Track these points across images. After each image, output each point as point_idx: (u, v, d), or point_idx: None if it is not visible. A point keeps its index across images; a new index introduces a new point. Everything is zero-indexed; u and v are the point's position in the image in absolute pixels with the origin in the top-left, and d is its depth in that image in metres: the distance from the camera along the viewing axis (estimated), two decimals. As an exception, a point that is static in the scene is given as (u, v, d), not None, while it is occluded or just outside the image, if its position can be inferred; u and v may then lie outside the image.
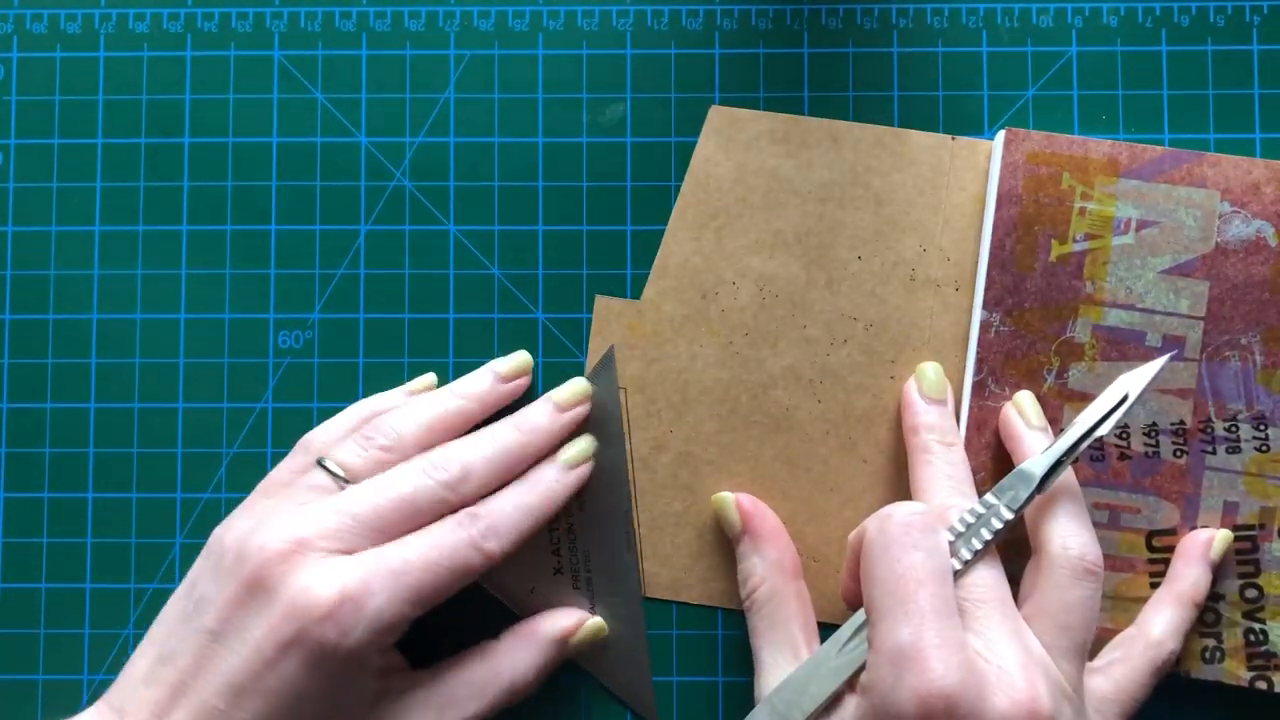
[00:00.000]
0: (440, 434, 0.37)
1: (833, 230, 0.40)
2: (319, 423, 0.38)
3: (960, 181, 0.40)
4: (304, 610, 0.32)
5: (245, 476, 0.39)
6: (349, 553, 0.34)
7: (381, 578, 0.33)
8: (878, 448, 0.40)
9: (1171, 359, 0.37)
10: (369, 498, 0.35)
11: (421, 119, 0.41)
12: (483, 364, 0.40)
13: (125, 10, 0.41)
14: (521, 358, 0.39)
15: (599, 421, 0.39)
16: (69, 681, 0.40)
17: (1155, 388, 0.37)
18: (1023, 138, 0.38)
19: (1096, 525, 0.37)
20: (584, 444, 0.38)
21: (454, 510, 0.36)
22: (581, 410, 0.38)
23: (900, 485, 0.39)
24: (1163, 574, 0.38)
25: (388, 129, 0.41)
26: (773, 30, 0.41)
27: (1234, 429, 0.38)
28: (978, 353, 0.38)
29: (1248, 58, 0.41)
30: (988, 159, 0.40)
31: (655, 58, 0.41)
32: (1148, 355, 0.38)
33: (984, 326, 0.38)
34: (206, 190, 0.41)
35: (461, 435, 0.37)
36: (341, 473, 0.36)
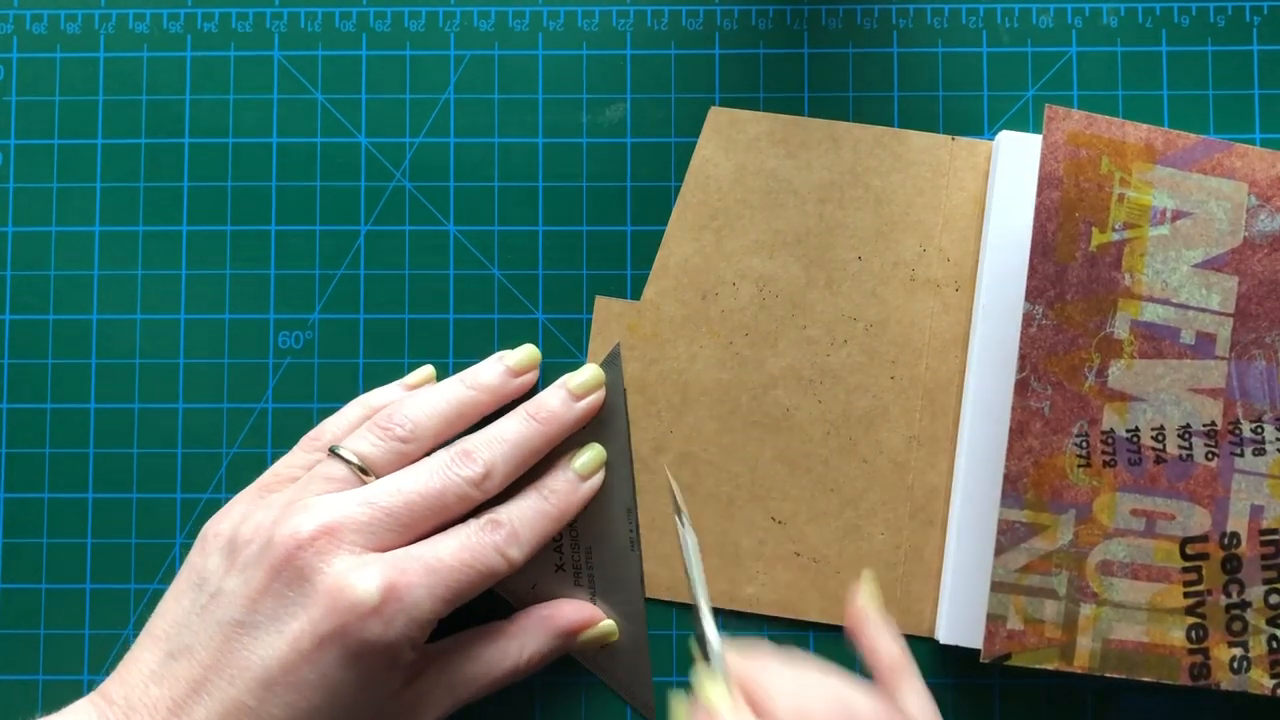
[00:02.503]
0: (454, 425, 0.37)
1: (832, 230, 0.40)
2: (319, 423, 0.38)
3: (960, 181, 0.40)
4: (348, 606, 0.32)
5: (245, 476, 0.39)
6: (379, 547, 0.34)
7: (420, 575, 0.33)
8: (877, 448, 0.40)
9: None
10: (400, 492, 0.34)
11: (421, 119, 0.41)
12: (483, 364, 0.40)
13: (125, 10, 0.41)
14: (530, 351, 0.39)
15: (605, 417, 0.39)
16: (69, 681, 0.40)
17: (1189, 387, 0.37)
18: (1063, 116, 0.36)
19: (1133, 534, 0.37)
20: (595, 453, 0.38)
21: (476, 505, 0.36)
22: (596, 398, 0.38)
23: (900, 486, 0.40)
24: (1195, 584, 0.37)
25: (388, 129, 0.41)
26: (773, 30, 0.41)
27: (1259, 430, 0.37)
28: (1020, 348, 0.36)
29: (1248, 58, 0.41)
30: (988, 159, 0.40)
31: (655, 58, 0.41)
32: (1183, 353, 0.37)
33: (1026, 320, 0.36)
34: (206, 190, 0.41)
35: (473, 426, 0.37)
36: (359, 463, 0.35)
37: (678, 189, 0.40)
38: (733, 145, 0.40)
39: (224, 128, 0.41)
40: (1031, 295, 0.36)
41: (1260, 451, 0.37)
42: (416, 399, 0.37)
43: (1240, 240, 0.37)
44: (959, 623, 0.38)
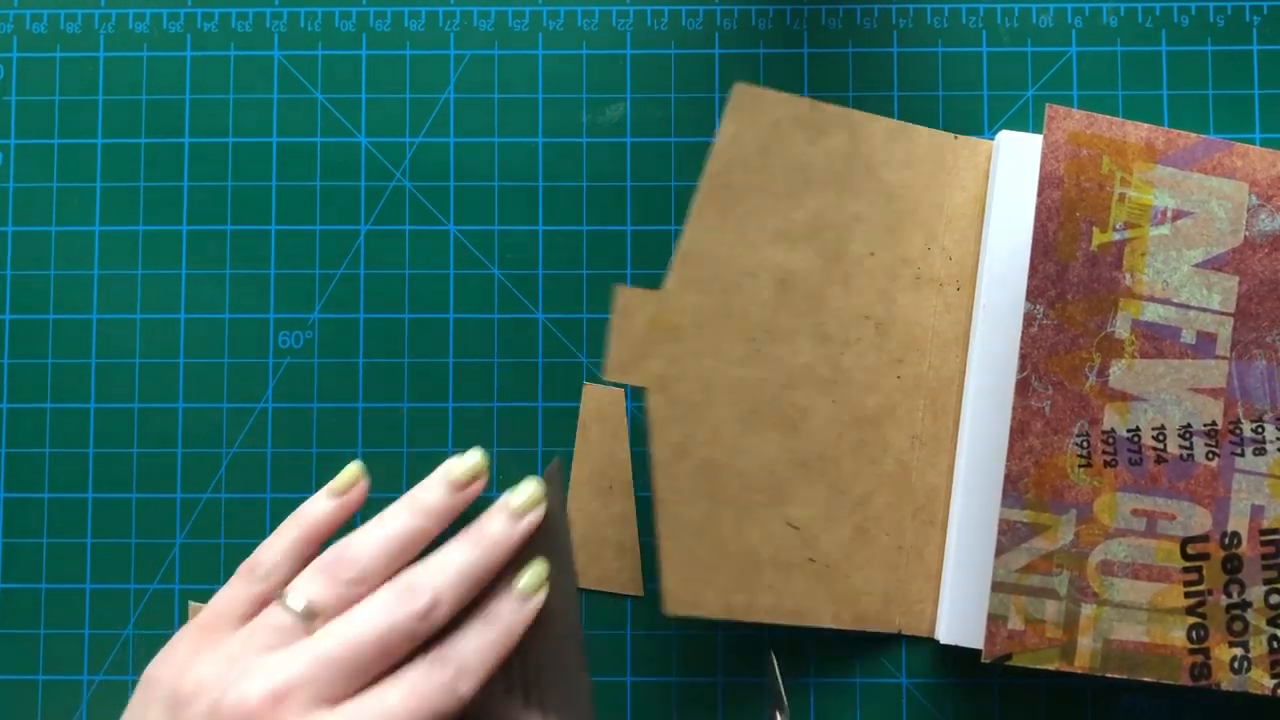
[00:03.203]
0: (401, 560, 0.35)
1: (849, 224, 0.40)
2: (319, 423, 0.38)
3: (961, 181, 0.40)
4: None
5: (245, 476, 0.39)
6: (331, 699, 0.32)
7: None
8: (884, 447, 0.40)
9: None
10: (346, 639, 0.33)
11: (421, 119, 0.41)
12: (483, 364, 0.40)
13: (125, 10, 0.41)
14: (476, 459, 0.37)
15: (547, 537, 0.37)
16: (69, 681, 0.40)
17: (1190, 386, 0.37)
18: (1064, 115, 0.36)
19: (1134, 534, 0.37)
20: (538, 570, 0.37)
21: (422, 639, 0.34)
22: (537, 515, 0.37)
23: (904, 486, 0.39)
24: (1196, 584, 0.37)
25: (388, 129, 0.41)
26: (773, 30, 0.41)
27: (1260, 430, 0.37)
28: (1021, 348, 0.36)
29: (1248, 58, 0.41)
30: (988, 159, 0.40)
31: (655, 58, 0.41)
32: (1183, 353, 0.37)
33: (1027, 320, 0.36)
34: (206, 190, 0.41)
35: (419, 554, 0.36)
36: (306, 610, 0.34)
37: (678, 188, 0.40)
38: (757, 126, 0.39)
39: (224, 128, 0.41)
40: (1032, 295, 0.36)
41: (1261, 451, 0.37)
42: (363, 538, 0.35)
43: (1241, 240, 0.37)
44: (959, 623, 0.38)
